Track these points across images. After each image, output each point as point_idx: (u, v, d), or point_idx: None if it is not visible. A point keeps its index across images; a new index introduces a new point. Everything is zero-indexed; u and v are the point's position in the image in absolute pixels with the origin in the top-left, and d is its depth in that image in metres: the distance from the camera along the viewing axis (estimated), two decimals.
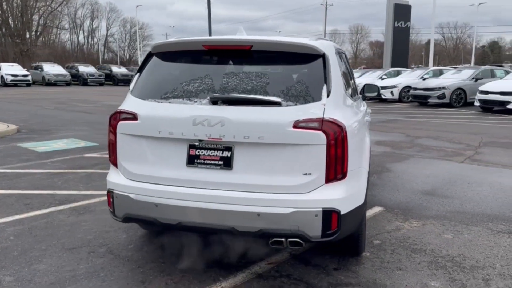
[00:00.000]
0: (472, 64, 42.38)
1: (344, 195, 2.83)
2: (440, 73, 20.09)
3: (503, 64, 32.90)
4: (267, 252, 3.59)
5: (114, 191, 3.10)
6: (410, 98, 18.44)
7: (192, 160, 2.90)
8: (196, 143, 2.88)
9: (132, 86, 3.23)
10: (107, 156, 3.31)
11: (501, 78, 16.77)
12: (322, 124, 2.74)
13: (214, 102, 2.87)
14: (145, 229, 4.00)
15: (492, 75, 17.87)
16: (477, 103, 15.26)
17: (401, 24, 35.70)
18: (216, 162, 2.86)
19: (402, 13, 36.07)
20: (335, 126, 2.76)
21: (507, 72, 18.11)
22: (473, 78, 17.26)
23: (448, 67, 26.62)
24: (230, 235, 2.99)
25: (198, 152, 2.89)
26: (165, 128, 2.92)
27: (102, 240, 3.91)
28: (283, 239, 2.81)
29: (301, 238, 2.80)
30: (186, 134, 2.86)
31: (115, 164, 3.17)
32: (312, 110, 2.79)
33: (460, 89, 16.83)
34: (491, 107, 15.11)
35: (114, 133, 3.12)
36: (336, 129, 2.76)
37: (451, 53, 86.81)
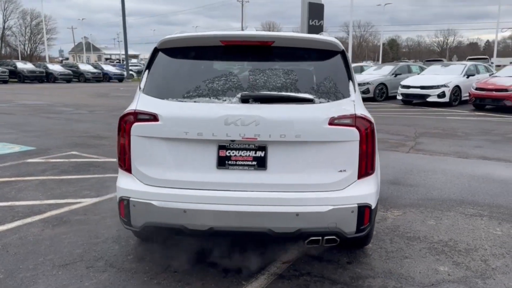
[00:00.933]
0: (380, 62, 45.40)
1: (374, 190, 2.89)
2: (361, 69, 21.21)
3: (406, 59, 35.90)
4: (275, 251, 3.55)
5: (131, 199, 2.86)
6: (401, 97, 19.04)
7: (222, 162, 2.77)
8: (227, 144, 2.76)
9: (143, 84, 2.99)
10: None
11: (418, 73, 18.18)
12: (355, 121, 2.77)
13: (244, 100, 2.76)
14: (139, 237, 3.74)
15: (409, 71, 19.32)
16: (399, 97, 16.39)
17: (315, 22, 37.18)
18: (250, 163, 2.76)
19: (315, 12, 37.59)
20: (365, 121, 2.80)
21: (421, 68, 19.69)
22: (393, 74, 18.49)
23: (367, 63, 28.13)
24: (264, 237, 2.91)
25: (229, 153, 2.77)
26: (193, 129, 2.75)
27: (95, 253, 3.59)
28: (320, 238, 2.80)
29: (337, 236, 2.81)
30: (218, 134, 2.72)
31: (128, 170, 2.92)
32: (344, 106, 2.80)
33: (382, 84, 17.93)
34: (411, 100, 16.30)
35: (128, 136, 2.87)
36: (367, 124, 2.80)
37: (356, 50, 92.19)
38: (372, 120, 2.87)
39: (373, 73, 19.19)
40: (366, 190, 2.84)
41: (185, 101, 2.83)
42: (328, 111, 2.75)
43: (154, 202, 2.80)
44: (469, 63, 17.56)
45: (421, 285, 3.12)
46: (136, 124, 2.85)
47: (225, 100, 2.78)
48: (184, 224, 2.79)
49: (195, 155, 2.80)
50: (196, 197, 2.76)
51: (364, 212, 2.81)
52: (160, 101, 2.86)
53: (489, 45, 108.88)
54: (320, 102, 2.78)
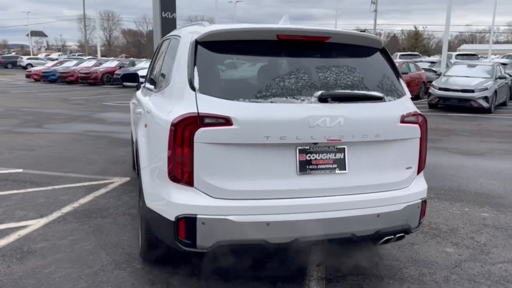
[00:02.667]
0: None
1: (426, 184, 3.01)
2: None
3: None
4: (298, 255, 3.43)
5: (198, 216, 2.45)
6: None
7: (303, 167, 2.56)
8: (307, 147, 2.56)
9: (197, 82, 2.56)
10: None
11: None
12: (418, 118, 2.85)
13: (322, 100, 2.59)
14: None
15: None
16: None
17: (167, 14, 36.68)
18: (330, 166, 2.61)
19: (167, 4, 37.17)
20: (423, 118, 2.90)
21: None
22: None
23: None
24: (344, 243, 2.79)
25: (309, 156, 2.57)
26: (275, 132, 2.48)
27: (105, 285, 2.98)
28: (392, 237, 2.81)
29: (405, 232, 2.85)
30: (302, 137, 2.51)
31: (189, 182, 2.49)
32: (406, 104, 2.86)
33: None
34: None
35: (189, 144, 2.45)
36: (423, 121, 2.90)
37: None
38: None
39: None
40: (424, 185, 2.96)
41: (260, 102, 2.52)
42: (398, 109, 2.77)
43: (231, 218, 2.45)
44: None
45: (448, 268, 3.37)
46: (202, 129, 2.44)
47: (304, 100, 2.57)
48: (265, 239, 2.51)
49: (273, 161, 2.53)
50: (279, 207, 2.50)
51: (423, 206, 2.92)
52: (230, 102, 2.50)
53: None
54: (389, 100, 2.78)
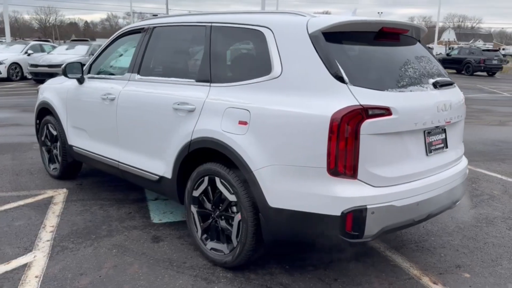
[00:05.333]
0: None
1: None
2: (42, 48, 19.19)
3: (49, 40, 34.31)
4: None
5: (368, 206, 2.48)
6: (31, 76, 16.71)
7: (429, 149, 2.87)
8: (431, 130, 2.85)
9: (344, 74, 2.53)
10: None
11: (48, 52, 18.35)
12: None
13: (435, 87, 2.89)
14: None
15: (42, 50, 19.08)
16: (29, 76, 16.50)
17: None
18: (440, 145, 2.97)
19: None
20: None
21: (53, 47, 19.88)
22: (25, 53, 18.07)
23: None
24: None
25: (431, 139, 2.89)
26: (421, 119, 2.72)
27: None
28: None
29: None
30: (435, 122, 2.82)
31: (352, 175, 2.48)
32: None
33: (16, 63, 17.36)
34: (42, 79, 15.95)
35: (355, 136, 2.44)
36: None
37: None
38: None
39: (3, 51, 18.07)
40: None
41: (403, 91, 2.68)
42: (460, 93, 3.28)
43: (395, 203, 2.56)
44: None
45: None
46: (367, 121, 2.45)
47: (427, 88, 2.84)
48: (414, 218, 2.73)
49: (411, 146, 2.74)
50: (423, 187, 2.74)
51: None
52: (381, 93, 2.57)
53: (87, 25, 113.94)
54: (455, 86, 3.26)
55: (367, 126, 2.46)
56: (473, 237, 3.70)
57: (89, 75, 4.40)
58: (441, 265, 3.22)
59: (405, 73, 2.82)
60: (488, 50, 28.54)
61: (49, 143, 5.07)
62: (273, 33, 2.84)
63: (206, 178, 3.10)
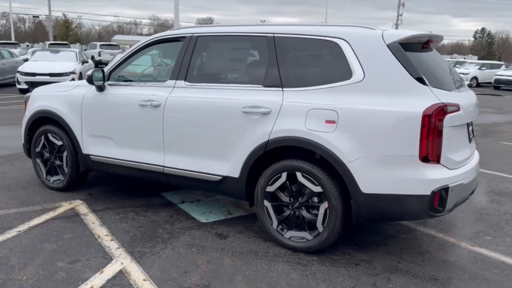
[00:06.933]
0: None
1: None
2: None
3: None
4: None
5: (450, 185, 3.08)
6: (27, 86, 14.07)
7: (470, 138, 3.55)
8: (469, 123, 3.54)
9: (425, 78, 3.10)
10: None
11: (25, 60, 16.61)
12: None
13: (458, 88, 3.59)
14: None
15: (12, 56, 17.50)
16: (21, 85, 14.20)
17: None
18: (471, 136, 3.68)
19: None
20: None
21: (33, 53, 18.06)
22: None
23: None
24: None
25: (469, 129, 3.58)
26: (470, 113, 3.42)
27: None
28: None
29: None
30: (472, 116, 3.49)
31: (436, 161, 3.06)
32: None
33: None
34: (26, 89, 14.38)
35: (442, 128, 3.03)
36: None
37: None
38: None
39: None
40: None
41: (460, 91, 3.34)
42: None
43: (463, 181, 3.21)
44: None
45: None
46: (448, 116, 3.05)
47: (466, 89, 3.54)
48: (468, 194, 3.40)
49: (464, 135, 3.43)
50: (471, 169, 3.42)
51: None
52: (449, 93, 3.19)
53: None
54: None
55: (448, 119, 3.07)
56: (485, 211, 4.57)
57: (110, 82, 4.34)
58: (466, 233, 3.98)
59: (450, 75, 3.50)
60: None
61: (47, 154, 4.79)
62: (349, 44, 3.29)
63: (284, 174, 3.42)
